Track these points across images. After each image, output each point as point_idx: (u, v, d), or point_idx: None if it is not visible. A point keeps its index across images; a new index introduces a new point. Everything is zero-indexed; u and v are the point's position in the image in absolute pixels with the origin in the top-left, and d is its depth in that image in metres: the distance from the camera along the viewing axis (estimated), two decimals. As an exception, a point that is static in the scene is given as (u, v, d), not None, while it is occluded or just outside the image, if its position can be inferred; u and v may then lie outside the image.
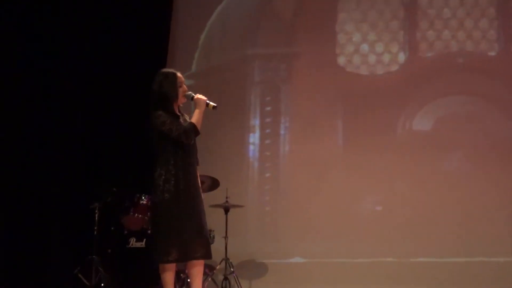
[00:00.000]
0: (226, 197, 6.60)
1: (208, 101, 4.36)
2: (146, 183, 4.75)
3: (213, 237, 6.37)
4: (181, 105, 4.62)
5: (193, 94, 4.41)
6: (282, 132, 7.17)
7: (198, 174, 4.55)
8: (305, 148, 7.05)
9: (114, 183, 6.51)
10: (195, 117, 4.44)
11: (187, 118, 4.58)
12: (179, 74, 4.45)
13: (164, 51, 7.10)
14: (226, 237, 6.47)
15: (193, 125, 4.40)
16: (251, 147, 7.17)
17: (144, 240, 6.08)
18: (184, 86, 4.47)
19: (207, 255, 4.47)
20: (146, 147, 4.73)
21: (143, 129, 4.53)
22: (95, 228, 6.31)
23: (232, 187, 6.69)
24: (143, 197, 6.28)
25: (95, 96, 6.98)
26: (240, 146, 7.20)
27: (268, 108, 7.24)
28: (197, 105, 4.44)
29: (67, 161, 6.94)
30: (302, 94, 7.14)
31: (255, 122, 7.23)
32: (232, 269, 6.55)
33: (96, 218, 6.32)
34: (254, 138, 7.27)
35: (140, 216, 6.24)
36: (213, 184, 6.45)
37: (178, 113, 4.56)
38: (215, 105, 4.30)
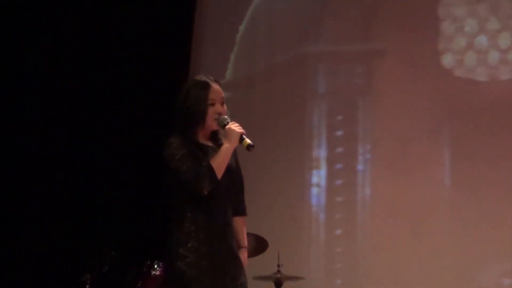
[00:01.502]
0: (278, 265, 6.18)
1: (244, 136, 3.95)
2: (159, 245, 4.52)
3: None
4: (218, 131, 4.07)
5: (228, 121, 3.98)
6: (360, 167, 6.88)
7: (243, 230, 4.15)
8: (394, 190, 6.73)
9: (113, 244, 6.20)
10: (219, 156, 3.97)
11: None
12: (215, 86, 3.97)
13: (186, 54, 6.73)
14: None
15: (209, 169, 3.93)
16: (314, 191, 6.93)
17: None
18: (219, 106, 3.98)
19: None
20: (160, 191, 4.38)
21: (157, 163, 4.22)
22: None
23: (286, 250, 6.32)
24: (155, 266, 6.01)
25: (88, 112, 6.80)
26: (298, 189, 6.95)
27: (339, 133, 6.95)
28: (227, 138, 3.99)
29: (45, 208, 6.57)
30: (388, 111, 6.76)
31: (320, 153, 6.99)
32: None
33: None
34: (318, 177, 7.02)
35: (151, 293, 6.31)
36: (259, 245, 6.15)
37: (206, 143, 4.05)
38: (252, 144, 3.93)
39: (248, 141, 3.95)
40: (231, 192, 4.06)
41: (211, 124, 4.03)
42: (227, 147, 3.98)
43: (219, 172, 3.98)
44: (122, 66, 6.80)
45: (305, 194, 6.97)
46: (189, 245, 3.96)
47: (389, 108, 6.89)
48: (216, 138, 4.10)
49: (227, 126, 3.98)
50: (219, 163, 3.97)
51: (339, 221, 6.92)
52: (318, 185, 7.06)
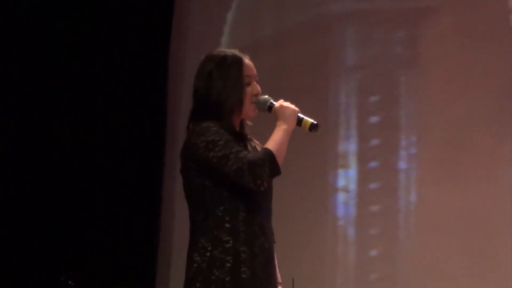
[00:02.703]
0: (293, 288, 5.98)
1: (301, 115, 3.55)
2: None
3: None
4: (247, 120, 3.72)
5: (272, 101, 3.57)
6: (402, 165, 6.01)
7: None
8: (447, 196, 5.85)
9: (71, 272, 5.97)
10: (275, 140, 3.53)
11: (258, 146, 3.72)
12: (247, 61, 3.57)
13: (166, 28, 6.26)
14: None
15: (270, 154, 3.47)
16: (341, 198, 6.17)
17: None
18: (256, 85, 3.59)
19: None
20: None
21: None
22: None
23: (303, 276, 5.76)
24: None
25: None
26: (319, 195, 6.22)
27: (374, 119, 6.11)
28: (281, 119, 3.56)
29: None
30: (439, 90, 5.89)
31: (348, 147, 6.20)
32: None
33: None
34: (346, 179, 6.22)
35: None
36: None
37: (241, 132, 3.70)
38: (316, 122, 3.51)
39: (309, 119, 3.55)
40: (270, 197, 3.67)
41: (248, 108, 3.61)
42: (285, 129, 3.58)
43: (280, 159, 3.58)
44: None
45: (328, 203, 6.24)
46: (228, 265, 3.50)
47: (440, 87, 5.94)
48: (244, 130, 3.71)
49: (276, 105, 3.57)
50: (279, 147, 3.58)
51: (374, 238, 6.14)
52: (345, 190, 6.24)
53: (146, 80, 5.95)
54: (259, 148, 3.70)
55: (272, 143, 3.55)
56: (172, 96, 6.19)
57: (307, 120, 3.59)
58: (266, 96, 3.64)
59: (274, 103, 3.61)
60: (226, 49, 3.69)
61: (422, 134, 6.05)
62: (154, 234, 6.15)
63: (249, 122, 3.67)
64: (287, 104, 3.66)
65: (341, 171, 6.23)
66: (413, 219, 6.02)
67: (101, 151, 6.40)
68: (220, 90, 3.58)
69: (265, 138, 3.59)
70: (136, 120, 6.00)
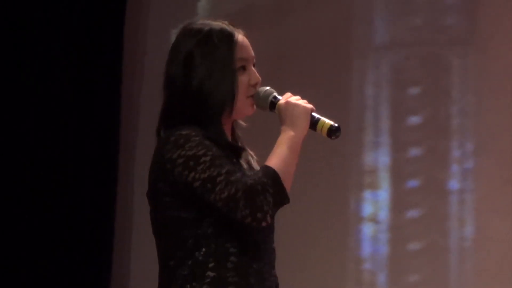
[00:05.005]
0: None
1: (316, 114, 3.03)
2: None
3: None
4: (239, 121, 3.19)
5: (276, 94, 3.07)
6: (454, 184, 5.08)
7: None
8: None
9: None
10: (281, 154, 3.05)
11: (252, 159, 3.17)
12: (240, 37, 3.05)
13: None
14: None
15: (273, 176, 2.98)
16: (367, 231, 5.29)
17: None
18: (253, 71, 3.07)
19: None
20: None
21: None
22: None
23: None
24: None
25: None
26: (337, 226, 5.27)
27: (414, 120, 5.23)
28: (288, 123, 3.06)
29: None
30: (505, 78, 5.07)
31: (378, 158, 5.28)
32: None
33: None
34: (374, 204, 5.27)
35: None
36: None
37: (234, 142, 3.21)
38: (337, 125, 2.99)
39: (327, 121, 3.11)
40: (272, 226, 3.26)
41: (243, 104, 3.17)
42: (293, 136, 3.16)
43: (288, 182, 3.12)
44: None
45: (350, 238, 5.21)
46: None
47: (509, 72, 4.97)
48: (236, 135, 3.28)
49: (281, 102, 3.14)
50: (286, 167, 3.13)
51: (416, 271, 5.10)
52: (374, 220, 5.22)
53: (88, 60, 5.26)
54: (255, 163, 3.14)
55: (275, 159, 3.02)
56: (127, 82, 5.48)
57: (324, 122, 3.02)
58: (268, 88, 3.08)
59: (279, 97, 3.08)
60: (210, 20, 3.10)
61: (483, 141, 5.11)
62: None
63: (242, 122, 3.12)
64: (296, 100, 3.09)
65: (367, 193, 5.27)
66: (469, 261, 5.06)
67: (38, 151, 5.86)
68: (203, 80, 3.05)
69: (266, 144, 3.02)
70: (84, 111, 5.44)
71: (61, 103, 5.70)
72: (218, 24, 3.10)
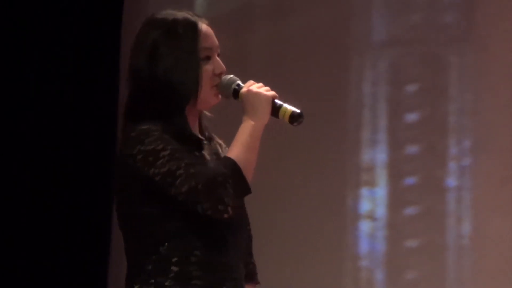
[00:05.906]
0: None
1: (278, 101, 3.07)
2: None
3: None
4: (205, 111, 3.22)
5: (239, 82, 3.09)
6: (451, 182, 5.11)
7: None
8: None
9: None
10: (241, 143, 3.08)
11: (221, 148, 3.25)
12: (204, 26, 3.08)
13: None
14: None
15: (233, 166, 3.02)
16: (364, 228, 5.29)
17: None
18: (217, 60, 3.12)
19: None
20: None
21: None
22: None
23: None
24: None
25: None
26: (335, 224, 5.24)
27: (412, 117, 5.29)
28: (248, 111, 3.10)
29: None
30: (504, 76, 5.10)
31: (375, 156, 5.28)
32: None
33: None
34: (372, 201, 5.28)
35: None
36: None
37: (196, 133, 3.18)
38: (299, 111, 3.02)
39: (289, 108, 3.13)
40: (245, 215, 3.24)
41: (208, 94, 3.17)
42: (252, 125, 3.17)
43: (249, 172, 3.13)
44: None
45: (347, 235, 5.24)
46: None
47: (506, 70, 4.99)
48: (203, 127, 3.27)
49: (243, 90, 3.16)
50: (246, 156, 3.15)
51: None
52: (371, 217, 5.21)
53: (87, 56, 5.35)
54: (224, 152, 3.20)
55: (236, 149, 3.07)
56: (125, 82, 5.53)
57: (286, 109, 3.04)
58: (231, 76, 3.11)
59: (242, 85, 3.12)
60: (175, 10, 3.12)
61: (480, 139, 5.10)
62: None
63: (207, 113, 3.17)
64: (257, 87, 3.12)
65: (365, 191, 5.29)
66: (467, 259, 5.07)
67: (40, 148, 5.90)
68: (169, 70, 3.06)
69: (235, 132, 3.06)
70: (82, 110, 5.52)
71: (59, 103, 5.74)
72: (182, 14, 3.13)
